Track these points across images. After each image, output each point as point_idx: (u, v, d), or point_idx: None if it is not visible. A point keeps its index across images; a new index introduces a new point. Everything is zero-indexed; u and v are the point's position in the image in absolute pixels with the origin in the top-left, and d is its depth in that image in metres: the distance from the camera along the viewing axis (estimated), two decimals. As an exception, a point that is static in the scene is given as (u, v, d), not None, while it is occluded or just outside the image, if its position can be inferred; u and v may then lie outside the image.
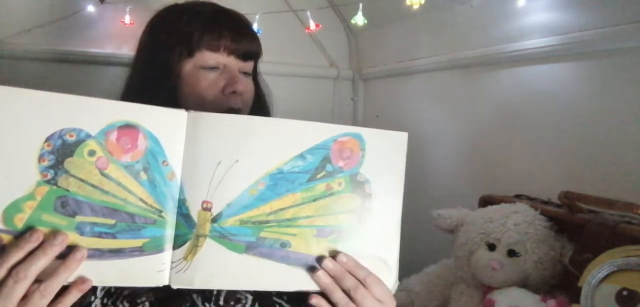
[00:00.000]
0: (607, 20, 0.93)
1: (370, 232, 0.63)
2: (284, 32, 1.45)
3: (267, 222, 0.58)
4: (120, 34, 1.28)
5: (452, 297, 0.98)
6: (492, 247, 0.89)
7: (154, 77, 0.81)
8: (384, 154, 0.63)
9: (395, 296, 1.11)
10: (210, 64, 0.78)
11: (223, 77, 0.80)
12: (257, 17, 1.29)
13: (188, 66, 0.79)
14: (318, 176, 0.59)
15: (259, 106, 0.89)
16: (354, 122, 1.77)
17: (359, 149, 0.61)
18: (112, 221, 0.53)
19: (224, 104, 0.80)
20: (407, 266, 1.17)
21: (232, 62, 0.79)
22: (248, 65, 0.82)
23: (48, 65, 1.19)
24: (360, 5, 1.15)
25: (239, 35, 0.79)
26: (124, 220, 0.53)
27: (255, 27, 1.29)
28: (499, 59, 1.17)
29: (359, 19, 1.17)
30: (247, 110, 0.84)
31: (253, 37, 0.82)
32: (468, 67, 1.28)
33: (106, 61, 1.27)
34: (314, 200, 0.59)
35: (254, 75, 0.88)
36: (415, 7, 1.03)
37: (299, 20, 1.49)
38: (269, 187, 0.58)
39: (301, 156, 0.59)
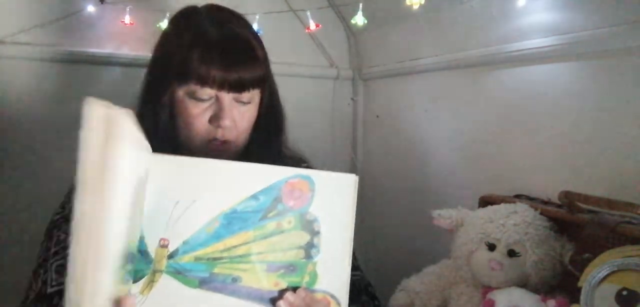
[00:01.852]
0: (607, 20, 0.93)
1: (319, 268, 0.65)
2: (284, 32, 1.45)
3: (221, 258, 0.62)
4: (120, 34, 1.28)
5: (452, 297, 0.98)
6: (492, 247, 0.89)
7: (155, 88, 0.81)
8: (333, 195, 0.66)
9: (396, 295, 1.12)
10: (200, 95, 0.77)
11: (212, 108, 0.79)
12: (257, 17, 1.29)
13: (180, 91, 0.79)
14: (269, 215, 0.63)
15: (268, 126, 0.87)
16: (354, 122, 1.77)
17: (309, 190, 0.65)
18: None
19: (209, 135, 0.79)
20: (407, 266, 1.17)
21: (224, 94, 0.78)
22: (247, 95, 0.79)
23: (48, 65, 1.19)
24: (360, 5, 1.15)
25: (233, 66, 0.76)
26: None
27: (255, 27, 1.29)
28: (499, 59, 1.17)
29: (359, 19, 1.17)
30: (240, 139, 0.82)
31: (251, 65, 0.79)
32: (468, 67, 1.28)
33: (106, 61, 1.27)
34: (265, 237, 0.63)
35: (263, 96, 0.84)
36: (415, 7, 1.03)
37: (299, 20, 1.49)
38: (223, 226, 0.62)
39: (254, 197, 0.63)
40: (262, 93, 0.84)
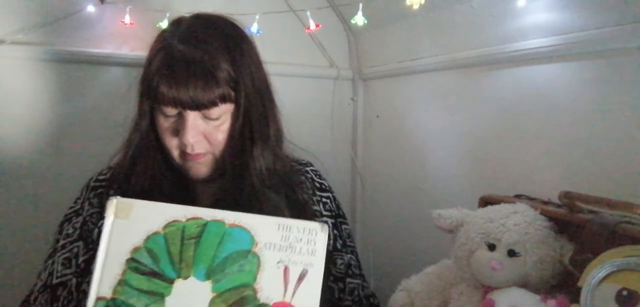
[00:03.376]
0: (607, 20, 0.93)
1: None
2: (284, 32, 1.45)
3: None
4: (120, 34, 1.29)
5: (452, 297, 0.98)
6: (492, 247, 0.89)
7: (140, 102, 0.84)
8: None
9: (395, 295, 1.11)
10: (166, 112, 0.79)
11: (177, 123, 0.80)
12: (257, 17, 1.29)
13: (155, 109, 0.81)
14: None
15: (253, 134, 0.84)
16: (354, 122, 1.77)
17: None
18: None
19: (179, 148, 0.81)
20: (407, 266, 1.17)
21: (189, 113, 0.78)
22: (214, 111, 0.79)
23: (48, 65, 1.19)
24: (360, 5, 1.15)
25: (185, 86, 0.75)
26: None
27: (255, 27, 1.29)
28: (499, 59, 1.17)
29: (359, 19, 1.17)
30: (218, 148, 0.82)
31: (206, 85, 0.76)
32: (468, 67, 1.28)
33: (106, 61, 1.27)
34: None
35: (239, 105, 0.82)
36: (415, 7, 1.03)
37: (299, 20, 1.49)
38: None
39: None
40: (237, 103, 0.82)
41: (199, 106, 0.77)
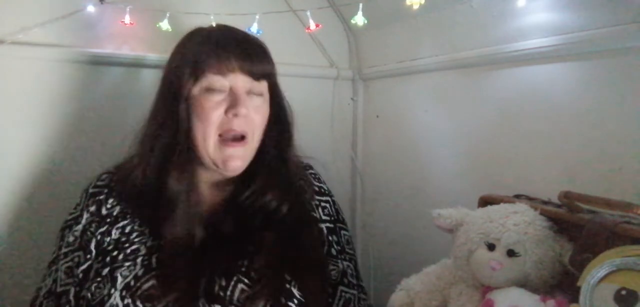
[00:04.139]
0: (607, 20, 0.93)
1: None
2: (284, 32, 1.45)
3: None
4: (120, 34, 1.28)
5: (451, 297, 0.98)
6: (491, 247, 0.89)
7: (168, 102, 0.83)
8: None
9: (395, 295, 1.11)
10: (215, 87, 0.80)
11: (227, 100, 0.81)
12: (257, 17, 1.29)
13: (195, 89, 0.82)
14: None
15: (278, 126, 0.91)
16: (354, 122, 1.77)
17: None
18: None
19: (224, 126, 0.81)
20: (407, 266, 1.17)
21: (239, 84, 0.81)
22: (259, 86, 0.83)
23: (48, 65, 1.19)
24: (360, 5, 1.15)
25: (246, 56, 0.81)
26: None
27: (255, 27, 1.29)
28: (499, 59, 1.17)
29: (359, 19, 1.17)
30: (257, 132, 0.85)
31: (263, 57, 0.84)
32: (468, 67, 1.28)
33: (106, 61, 1.27)
34: None
35: (272, 96, 0.88)
36: (415, 7, 1.03)
37: (299, 20, 1.49)
38: None
39: None
40: (271, 91, 0.86)
41: (253, 74, 0.81)
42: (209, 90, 0.81)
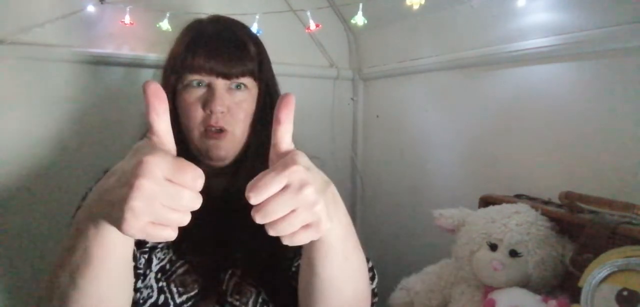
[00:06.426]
0: (607, 20, 0.94)
1: None
2: (284, 32, 1.45)
3: None
4: (120, 34, 1.28)
5: (453, 297, 0.98)
6: (493, 247, 0.89)
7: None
8: None
9: (395, 295, 1.11)
10: (193, 85, 0.83)
11: (205, 95, 0.82)
12: (257, 17, 1.29)
13: (179, 86, 0.84)
14: None
15: (268, 126, 0.89)
16: (354, 122, 1.77)
17: None
18: None
19: (204, 122, 0.84)
20: (407, 266, 1.17)
21: (216, 81, 0.82)
22: (240, 82, 0.84)
23: (47, 65, 1.19)
24: (360, 5, 1.15)
25: (219, 57, 0.82)
26: None
27: (255, 27, 1.29)
28: (499, 59, 1.17)
29: (359, 19, 1.17)
30: (237, 130, 0.85)
31: (239, 55, 0.84)
32: (468, 67, 1.28)
33: (106, 61, 1.27)
34: None
35: (261, 88, 0.88)
36: (415, 7, 1.03)
37: (299, 20, 1.49)
38: None
39: None
40: (258, 86, 0.87)
41: (229, 75, 0.82)
42: (188, 87, 0.83)
